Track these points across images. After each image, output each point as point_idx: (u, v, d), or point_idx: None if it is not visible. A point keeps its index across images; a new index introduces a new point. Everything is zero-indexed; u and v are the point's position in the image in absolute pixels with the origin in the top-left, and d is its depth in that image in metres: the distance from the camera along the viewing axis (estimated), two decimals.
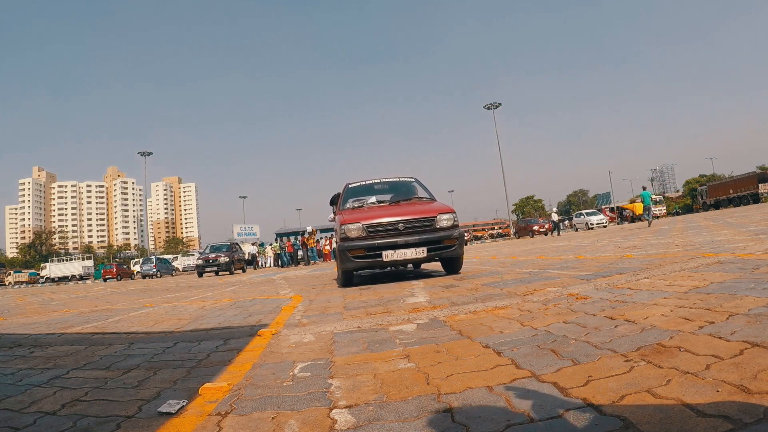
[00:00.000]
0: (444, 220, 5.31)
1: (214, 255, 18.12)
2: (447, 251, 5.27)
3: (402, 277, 6.26)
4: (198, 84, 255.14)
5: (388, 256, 5.05)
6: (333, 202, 7.15)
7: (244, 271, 20.50)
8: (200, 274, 18.25)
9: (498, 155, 39.61)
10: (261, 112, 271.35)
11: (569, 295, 2.98)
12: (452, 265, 5.72)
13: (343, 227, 5.30)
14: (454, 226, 5.38)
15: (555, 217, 29.89)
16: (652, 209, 20.42)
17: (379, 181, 6.88)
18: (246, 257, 27.43)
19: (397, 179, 6.91)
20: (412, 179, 6.90)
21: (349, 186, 6.88)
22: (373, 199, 6.47)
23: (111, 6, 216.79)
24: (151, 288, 11.48)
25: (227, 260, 17.85)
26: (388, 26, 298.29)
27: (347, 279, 5.48)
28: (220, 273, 18.05)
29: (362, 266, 5.31)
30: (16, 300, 11.10)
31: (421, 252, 5.09)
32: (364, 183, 6.90)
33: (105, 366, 2.24)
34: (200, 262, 18.35)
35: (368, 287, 5.22)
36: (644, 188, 20.28)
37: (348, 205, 6.36)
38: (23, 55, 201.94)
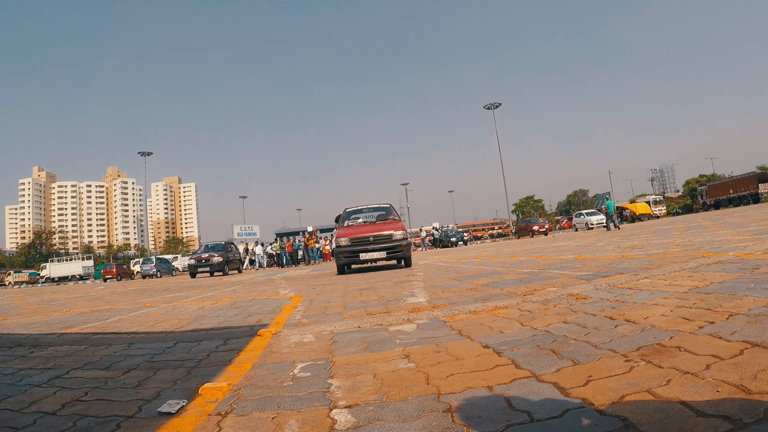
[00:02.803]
0: (397, 235, 8.32)
1: (207, 255, 17.11)
2: (399, 253, 8.37)
3: (389, 267, 9.15)
4: (198, 84, 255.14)
5: (363, 256, 8.20)
6: (336, 220, 10.01)
7: (239, 272, 19.35)
8: (193, 275, 17.01)
9: (498, 155, 39.59)
10: (261, 112, 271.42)
11: (569, 295, 2.98)
12: (406, 262, 8.79)
13: (338, 239, 8.53)
14: (404, 238, 8.37)
15: (610, 208, 23.20)
16: (614, 216, 22.78)
17: (366, 206, 10.26)
18: (258, 257, 26.95)
19: (378, 205, 10.23)
20: (388, 205, 10.18)
21: (347, 210, 10.15)
22: (361, 219, 9.71)
23: (111, 5, 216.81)
24: (151, 288, 11.47)
25: (221, 260, 16.82)
26: (388, 26, 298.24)
27: (341, 270, 8.77)
28: (214, 274, 17.03)
29: (349, 262, 8.46)
30: (16, 300, 11.10)
31: (382, 254, 8.19)
32: (356, 207, 10.25)
33: (105, 366, 2.24)
34: (192, 262, 17.16)
35: (369, 287, 5.22)
36: (607, 198, 21.27)
37: (346, 223, 9.50)
38: (23, 54, 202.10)
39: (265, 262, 25.61)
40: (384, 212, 9.81)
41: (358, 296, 4.38)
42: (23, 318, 5.49)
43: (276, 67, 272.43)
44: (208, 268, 16.72)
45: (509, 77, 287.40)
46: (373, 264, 9.77)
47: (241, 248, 26.82)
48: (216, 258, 16.85)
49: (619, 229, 20.02)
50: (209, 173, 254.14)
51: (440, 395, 1.39)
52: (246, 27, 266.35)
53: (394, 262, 9.42)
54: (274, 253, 25.20)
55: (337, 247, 8.46)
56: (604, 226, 25.48)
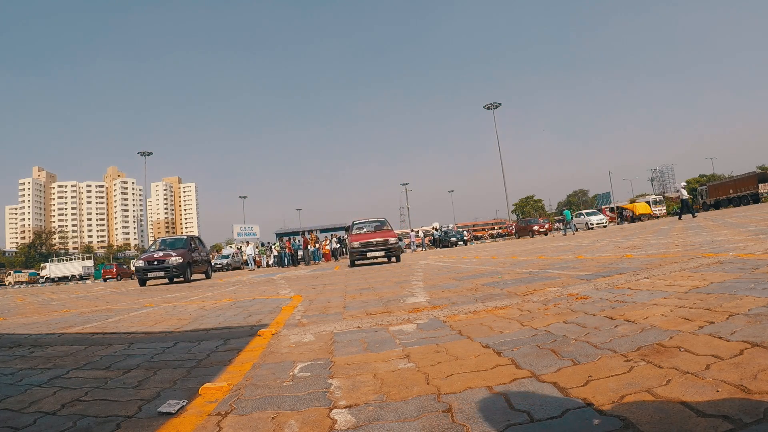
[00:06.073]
0: (392, 240, 12.17)
1: (162, 254, 12.61)
2: (393, 253, 12.27)
3: (386, 266, 10.68)
4: (198, 83, 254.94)
5: (369, 254, 12.08)
6: (346, 229, 17.56)
7: (208, 276, 14.76)
8: (142, 282, 12.56)
9: (498, 155, 39.62)
10: (261, 112, 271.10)
11: (569, 295, 2.98)
12: (397, 259, 12.61)
13: (351, 243, 12.46)
14: (396, 243, 12.37)
15: (684, 194, 20.44)
16: (571, 223, 27.48)
17: (368, 219, 13.92)
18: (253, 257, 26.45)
19: (376, 219, 13.90)
20: (383, 219, 13.93)
21: (354, 222, 14.10)
22: (365, 229, 13.42)
23: (110, 5, 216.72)
24: (151, 288, 11.47)
25: (181, 261, 12.38)
26: (388, 26, 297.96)
27: (352, 264, 12.60)
28: (174, 280, 13.00)
29: (359, 258, 12.21)
30: (16, 300, 11.10)
31: (381, 253, 12.07)
32: (361, 220, 13.98)
33: (105, 366, 2.24)
34: (141, 263, 12.50)
35: (369, 287, 5.23)
36: (565, 209, 23.16)
37: (354, 231, 13.45)
38: (23, 54, 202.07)
39: (254, 263, 25.57)
40: (380, 224, 13.70)
41: (358, 296, 4.38)
42: (23, 318, 5.49)
43: (276, 67, 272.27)
44: (162, 273, 12.29)
45: (509, 77, 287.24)
46: (374, 260, 13.11)
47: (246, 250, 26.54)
48: (174, 258, 12.39)
49: (574, 234, 23.43)
50: (209, 173, 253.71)
51: (440, 395, 1.39)
52: (246, 27, 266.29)
53: (386, 259, 13.11)
54: (275, 252, 25.14)
55: (351, 248, 12.40)
56: (571, 231, 27.86)
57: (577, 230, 28.63)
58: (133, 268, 36.75)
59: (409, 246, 33.16)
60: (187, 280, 12.67)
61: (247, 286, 8.28)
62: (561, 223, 27.28)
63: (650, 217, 36.95)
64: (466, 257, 10.98)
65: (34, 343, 3.23)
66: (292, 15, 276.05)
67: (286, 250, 23.81)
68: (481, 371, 1.58)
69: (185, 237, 14.45)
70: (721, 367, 1.34)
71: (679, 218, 19.66)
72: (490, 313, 2.68)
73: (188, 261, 12.76)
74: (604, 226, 29.80)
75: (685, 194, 20.36)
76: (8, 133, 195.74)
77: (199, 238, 15.93)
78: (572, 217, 29.55)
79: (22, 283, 49.44)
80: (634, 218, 37.31)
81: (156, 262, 12.35)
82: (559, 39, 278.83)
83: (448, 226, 55.86)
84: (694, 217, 19.36)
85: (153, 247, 14.01)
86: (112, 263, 49.31)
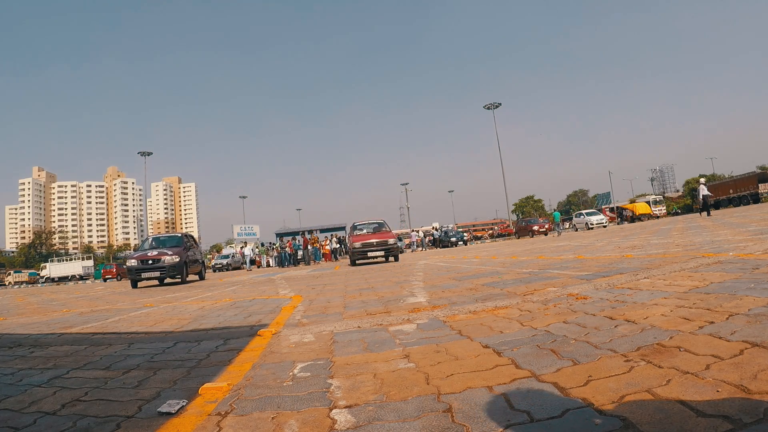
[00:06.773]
0: (390, 240, 12.97)
1: (156, 253, 11.67)
2: (392, 252, 13.04)
3: (388, 268, 9.64)
4: (198, 83, 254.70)
5: (369, 254, 12.82)
6: (353, 228, 14.89)
7: (201, 277, 13.82)
8: (134, 283, 11.70)
9: (498, 155, 39.64)
10: (261, 112, 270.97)
11: (569, 295, 2.98)
12: (395, 258, 13.41)
13: (353, 243, 13.07)
14: (395, 242, 13.12)
15: (704, 190, 19.28)
16: (559, 224, 27.96)
17: (368, 221, 14.87)
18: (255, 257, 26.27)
19: (375, 220, 14.90)
20: (382, 220, 14.95)
21: (355, 223, 14.95)
22: (365, 230, 14.34)
23: (110, 5, 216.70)
24: (150, 288, 11.46)
25: (177, 261, 11.47)
26: (388, 26, 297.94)
27: (353, 263, 13.26)
28: (165, 281, 12.20)
29: (360, 257, 12.95)
30: (16, 300, 11.10)
31: (381, 252, 12.84)
32: (361, 222, 14.86)
33: (105, 366, 2.24)
34: (134, 263, 11.45)
35: (369, 287, 5.23)
36: (554, 210, 23.98)
37: (355, 232, 14.29)
38: (23, 54, 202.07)
39: (250, 264, 25.61)
40: (379, 225, 14.75)
41: (358, 296, 4.38)
42: (23, 318, 5.49)
43: (276, 67, 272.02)
44: (157, 273, 11.36)
45: (509, 77, 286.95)
46: (374, 260, 13.89)
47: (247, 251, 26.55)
48: (169, 257, 11.44)
49: (559, 235, 24.52)
50: (209, 173, 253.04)
51: (440, 395, 1.39)
52: (246, 27, 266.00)
53: (384, 258, 13.94)
54: (276, 253, 25.13)
55: (352, 248, 13.10)
56: (557, 233, 28.25)
57: (562, 231, 29.64)
58: None
59: (410, 246, 33.15)
60: (184, 281, 11.96)
61: (247, 286, 8.28)
62: (554, 224, 28.86)
63: (650, 217, 36.95)
64: (466, 257, 10.98)
65: (34, 343, 3.23)
66: (293, 15, 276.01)
67: (287, 250, 23.84)
68: (481, 371, 1.58)
69: (180, 235, 13.60)
70: (721, 367, 1.34)
71: (708, 214, 18.91)
72: (490, 313, 2.68)
73: (185, 260, 11.94)
74: (604, 226, 29.78)
75: (705, 190, 19.54)
76: (8, 133, 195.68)
77: (193, 237, 14.94)
78: (560, 219, 30.15)
79: (22, 283, 49.40)
80: (634, 218, 37.32)
81: (150, 261, 11.39)
82: (559, 39, 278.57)
83: (448, 226, 55.73)
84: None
85: (146, 245, 13.05)
86: (112, 263, 49.22)
